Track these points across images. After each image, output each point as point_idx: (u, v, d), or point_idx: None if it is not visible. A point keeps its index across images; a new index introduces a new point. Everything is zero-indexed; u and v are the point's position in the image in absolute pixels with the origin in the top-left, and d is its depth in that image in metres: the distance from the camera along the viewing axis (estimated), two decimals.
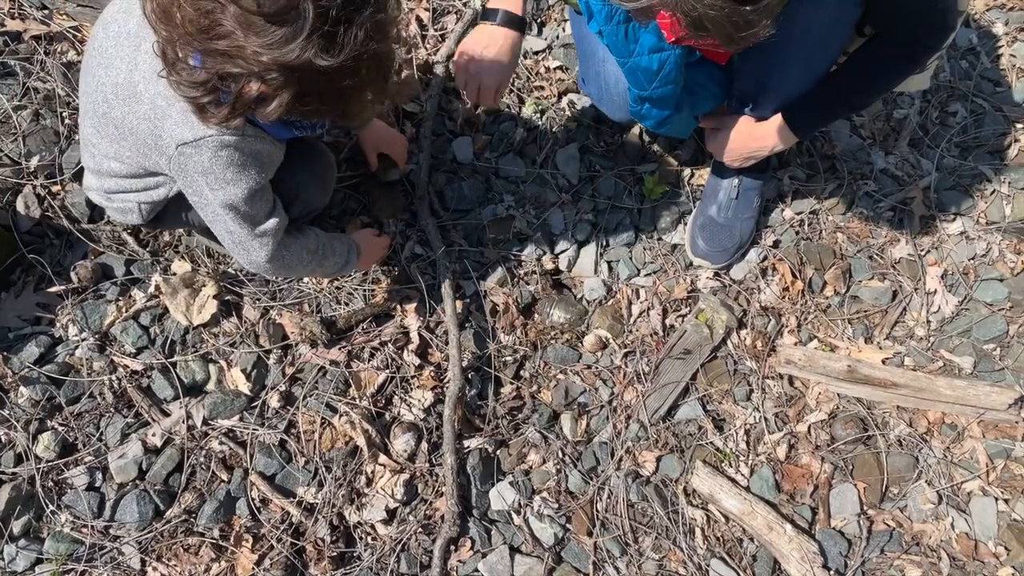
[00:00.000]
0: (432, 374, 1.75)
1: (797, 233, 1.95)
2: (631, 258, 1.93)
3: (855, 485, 1.69)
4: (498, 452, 1.71)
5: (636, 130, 2.05)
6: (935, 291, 1.88)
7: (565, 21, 2.18)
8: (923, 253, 1.93)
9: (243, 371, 1.68)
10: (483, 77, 1.53)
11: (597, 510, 1.67)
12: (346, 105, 1.11)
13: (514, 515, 1.65)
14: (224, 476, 1.62)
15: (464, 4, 2.13)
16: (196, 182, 1.26)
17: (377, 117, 1.83)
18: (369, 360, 1.74)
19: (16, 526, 1.52)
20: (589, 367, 1.81)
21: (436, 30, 2.11)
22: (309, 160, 1.55)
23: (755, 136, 1.63)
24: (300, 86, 1.03)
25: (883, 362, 1.80)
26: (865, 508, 1.68)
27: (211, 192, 1.26)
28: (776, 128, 1.59)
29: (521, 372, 1.80)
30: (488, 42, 1.51)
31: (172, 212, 1.49)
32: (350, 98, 1.09)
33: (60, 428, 1.60)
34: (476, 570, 1.59)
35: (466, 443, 1.70)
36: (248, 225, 1.33)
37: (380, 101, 1.15)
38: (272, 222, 1.36)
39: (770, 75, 1.48)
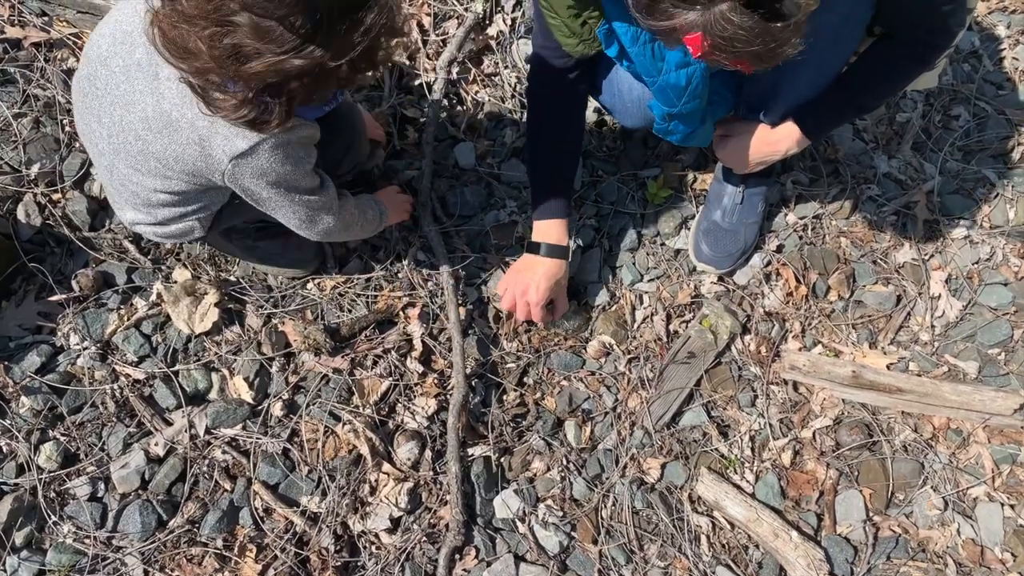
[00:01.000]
0: (435, 381, 1.74)
1: (801, 238, 1.94)
2: (634, 263, 1.92)
3: (861, 491, 1.69)
4: (502, 460, 1.71)
5: (639, 134, 2.04)
6: (939, 296, 1.88)
7: None
8: (927, 257, 1.92)
9: (246, 379, 1.67)
10: (528, 296, 1.69)
11: (602, 518, 1.66)
12: (373, 62, 1.11)
13: (519, 523, 1.64)
14: (227, 485, 1.61)
15: (465, 8, 2.12)
16: (254, 184, 1.28)
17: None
18: (372, 368, 1.73)
19: (18, 537, 1.51)
20: (593, 373, 1.80)
21: (438, 35, 2.10)
22: (345, 117, 1.61)
23: (767, 141, 1.62)
24: (338, 70, 1.04)
25: (888, 367, 1.79)
26: (871, 514, 1.67)
27: (270, 188, 1.30)
28: (788, 132, 1.58)
29: (525, 379, 1.80)
30: (529, 266, 1.70)
31: (228, 213, 1.51)
32: (375, 54, 1.09)
33: (62, 438, 1.59)
34: None
35: (470, 451, 1.69)
36: (309, 203, 1.38)
37: (395, 46, 1.14)
38: (328, 192, 1.42)
39: (781, 80, 1.47)
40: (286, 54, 0.97)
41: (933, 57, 1.42)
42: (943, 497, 1.68)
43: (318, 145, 1.37)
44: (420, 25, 2.10)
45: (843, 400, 1.77)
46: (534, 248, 1.70)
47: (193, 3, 0.96)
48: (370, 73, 1.14)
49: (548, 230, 1.69)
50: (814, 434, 1.75)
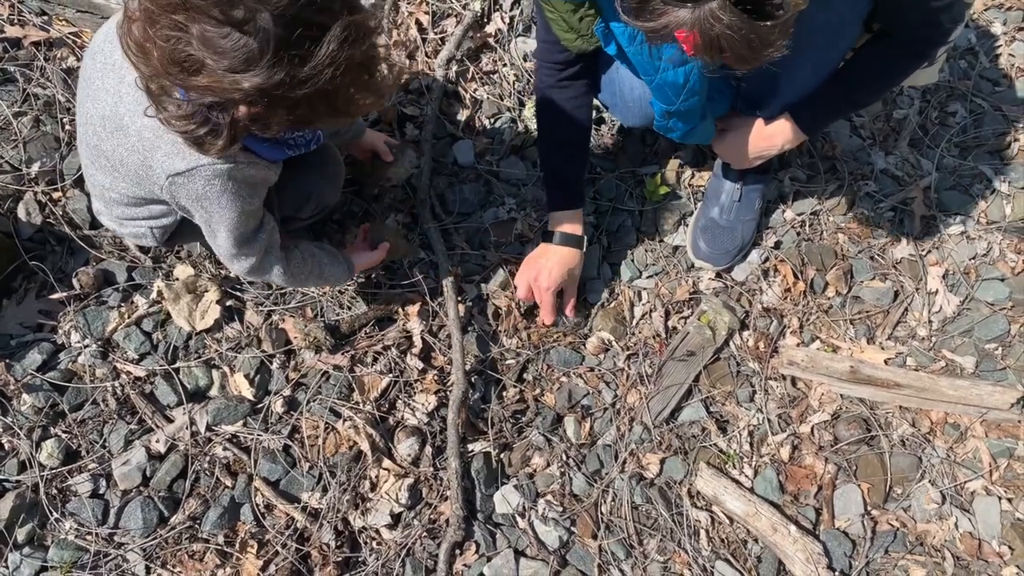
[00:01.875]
0: (435, 378, 1.74)
1: (798, 234, 1.95)
2: (633, 260, 1.93)
3: (859, 486, 1.69)
4: (502, 456, 1.71)
5: (637, 132, 2.05)
6: (936, 291, 1.89)
7: None
8: (924, 253, 1.93)
9: (246, 376, 1.68)
10: (540, 280, 1.73)
11: (601, 513, 1.67)
12: (336, 108, 1.08)
13: (519, 518, 1.65)
14: (228, 482, 1.61)
15: (464, 7, 2.13)
16: (190, 206, 1.27)
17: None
18: (372, 364, 1.74)
19: (20, 534, 1.52)
20: (592, 369, 1.81)
21: (436, 33, 2.11)
22: (319, 162, 1.57)
23: (763, 136, 1.63)
24: (286, 101, 1.01)
25: (885, 362, 1.80)
26: (869, 508, 1.68)
27: (203, 214, 1.28)
28: (784, 127, 1.59)
29: (524, 375, 1.80)
30: (543, 253, 1.75)
31: (186, 231, 1.51)
32: (338, 99, 1.07)
33: (63, 435, 1.60)
34: (482, 574, 1.59)
35: (470, 447, 1.70)
36: (238, 241, 1.35)
37: (369, 98, 1.13)
38: (261, 237, 1.39)
39: (779, 76, 1.47)
40: (231, 72, 0.95)
41: (930, 53, 1.43)
42: (941, 491, 1.69)
43: (281, 184, 1.38)
44: (419, 23, 2.11)
45: (841, 395, 1.78)
46: (548, 237, 1.75)
47: (159, 3, 0.96)
48: (337, 118, 1.11)
49: (561, 220, 1.75)
50: (812, 429, 1.75)
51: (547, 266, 1.73)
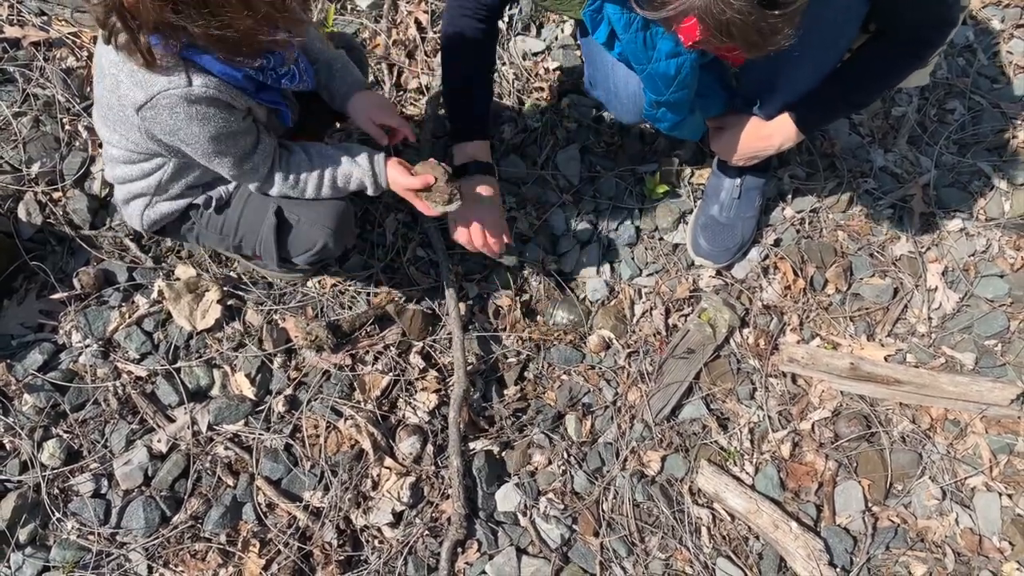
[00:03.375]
0: (436, 377, 1.75)
1: (798, 231, 1.96)
2: (633, 258, 1.93)
3: (859, 482, 1.70)
4: (503, 454, 1.72)
5: (636, 130, 2.05)
6: (936, 288, 1.89)
7: (564, 22, 2.18)
8: (923, 250, 1.94)
9: (247, 376, 1.68)
10: (486, 228, 1.60)
11: (603, 510, 1.67)
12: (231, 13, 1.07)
13: (520, 516, 1.65)
14: (230, 481, 1.61)
15: None
16: (171, 142, 1.30)
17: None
18: (373, 363, 1.74)
19: (23, 534, 1.52)
20: (593, 368, 1.81)
21: (435, 33, 2.11)
22: (328, 215, 1.50)
23: (761, 135, 1.64)
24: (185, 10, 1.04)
25: (885, 359, 1.80)
26: (870, 505, 1.68)
27: (187, 147, 1.30)
28: (782, 126, 1.60)
29: (525, 373, 1.81)
30: (466, 194, 1.55)
31: (172, 228, 1.54)
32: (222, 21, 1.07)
33: (65, 435, 1.60)
34: (484, 572, 1.59)
35: (471, 445, 1.70)
36: (236, 162, 1.36)
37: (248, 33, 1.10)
38: (259, 152, 1.38)
39: (777, 75, 1.48)
40: None
41: (927, 53, 1.44)
42: (941, 487, 1.69)
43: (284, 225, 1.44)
44: (418, 22, 2.11)
45: (841, 392, 1.78)
46: (462, 171, 1.62)
47: None
48: (253, 23, 1.08)
49: (472, 150, 1.64)
50: (813, 426, 1.76)
51: (475, 204, 1.59)
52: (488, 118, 1.70)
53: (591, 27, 1.40)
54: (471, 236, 1.61)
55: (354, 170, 1.46)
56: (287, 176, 1.44)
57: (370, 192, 1.49)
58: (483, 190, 1.61)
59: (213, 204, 1.49)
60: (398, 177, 1.47)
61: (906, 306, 1.88)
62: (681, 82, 1.42)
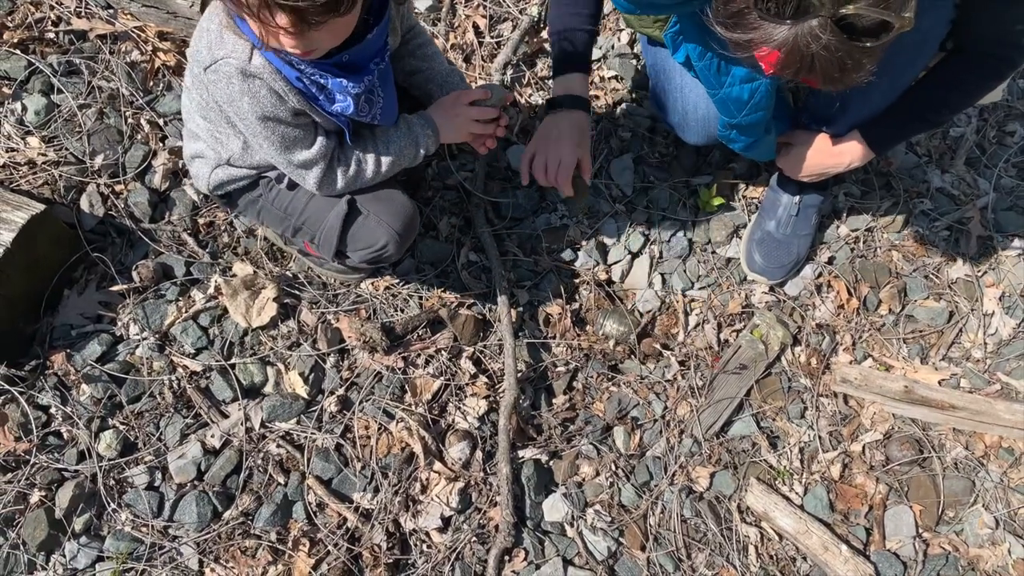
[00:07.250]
0: (486, 383, 1.75)
1: (852, 250, 1.94)
2: (685, 271, 1.92)
3: (911, 507, 1.68)
4: (551, 463, 1.71)
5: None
6: (992, 313, 1.87)
7: (620, 31, 2.17)
8: (980, 274, 1.91)
9: (301, 374, 1.69)
10: (561, 152, 1.58)
11: (650, 524, 1.66)
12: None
13: (568, 527, 1.65)
14: (281, 479, 1.62)
15: (521, 11, 2.13)
16: (228, 110, 1.31)
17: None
18: (425, 367, 1.74)
19: (78, 523, 1.53)
20: (642, 379, 1.80)
21: (493, 37, 2.11)
22: (394, 211, 1.52)
23: (832, 153, 1.62)
24: None
25: (939, 383, 1.78)
26: (921, 531, 1.67)
27: (241, 121, 1.32)
28: (854, 146, 1.58)
29: (574, 383, 1.80)
30: (555, 123, 1.59)
31: (237, 195, 1.56)
32: None
33: (121, 427, 1.61)
34: None
35: (520, 453, 1.70)
36: (280, 146, 1.34)
37: None
38: (313, 151, 1.38)
39: (851, 96, 1.46)
40: None
41: (1008, 72, 1.42)
42: (994, 516, 1.67)
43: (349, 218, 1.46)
44: (476, 26, 2.11)
45: (894, 415, 1.77)
46: (556, 104, 1.61)
47: None
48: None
49: (570, 84, 1.62)
50: (864, 448, 1.74)
51: (564, 135, 1.59)
52: (589, 55, 1.65)
53: (671, 48, 1.39)
54: (546, 170, 1.60)
55: (402, 123, 1.48)
56: (347, 167, 1.44)
57: (429, 137, 1.49)
58: (576, 132, 1.59)
59: (287, 180, 1.50)
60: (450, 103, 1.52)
61: (961, 330, 1.86)
62: (755, 106, 1.40)
